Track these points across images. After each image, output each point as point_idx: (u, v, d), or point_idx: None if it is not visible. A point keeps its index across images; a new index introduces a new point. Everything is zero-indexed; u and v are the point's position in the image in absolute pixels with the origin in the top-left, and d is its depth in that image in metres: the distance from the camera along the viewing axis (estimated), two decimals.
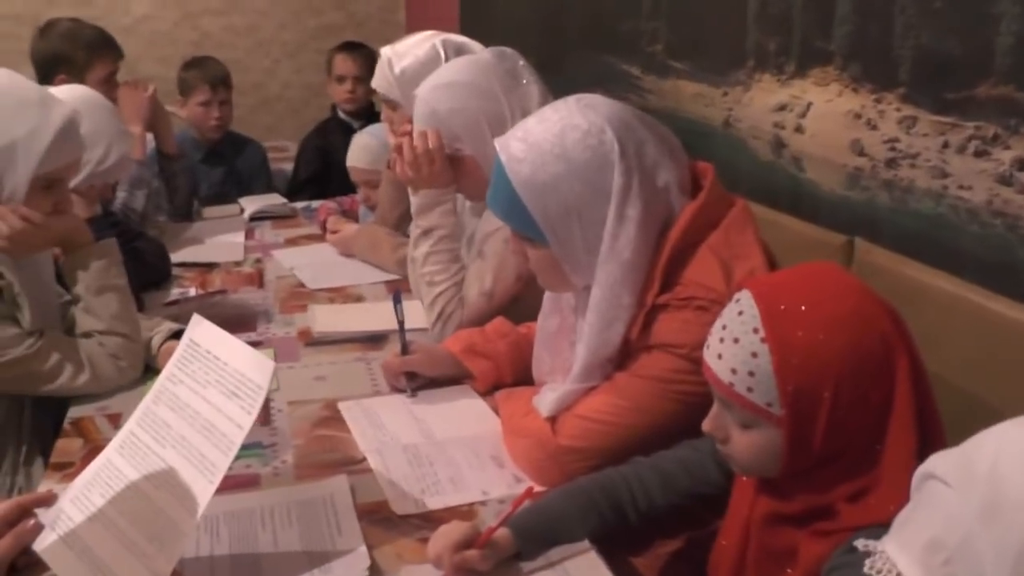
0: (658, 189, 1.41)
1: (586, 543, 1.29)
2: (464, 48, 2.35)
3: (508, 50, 2.01)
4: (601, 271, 1.41)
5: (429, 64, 2.21)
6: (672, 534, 1.45)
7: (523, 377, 1.73)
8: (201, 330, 1.39)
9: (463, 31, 3.98)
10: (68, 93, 2.14)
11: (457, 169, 1.95)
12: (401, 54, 2.33)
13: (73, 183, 2.06)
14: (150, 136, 3.06)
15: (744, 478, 1.21)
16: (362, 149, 2.85)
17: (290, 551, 1.31)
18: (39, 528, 1.28)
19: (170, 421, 1.32)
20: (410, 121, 2.01)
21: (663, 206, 1.42)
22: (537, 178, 1.40)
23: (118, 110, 2.47)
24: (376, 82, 2.42)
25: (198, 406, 1.30)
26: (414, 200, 2.03)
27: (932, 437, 1.08)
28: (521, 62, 1.99)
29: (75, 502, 1.30)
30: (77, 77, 2.71)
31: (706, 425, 1.16)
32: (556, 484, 1.41)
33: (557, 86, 2.00)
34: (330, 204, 3.12)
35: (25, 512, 1.28)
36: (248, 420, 1.22)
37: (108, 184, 2.30)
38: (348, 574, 1.25)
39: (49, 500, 1.32)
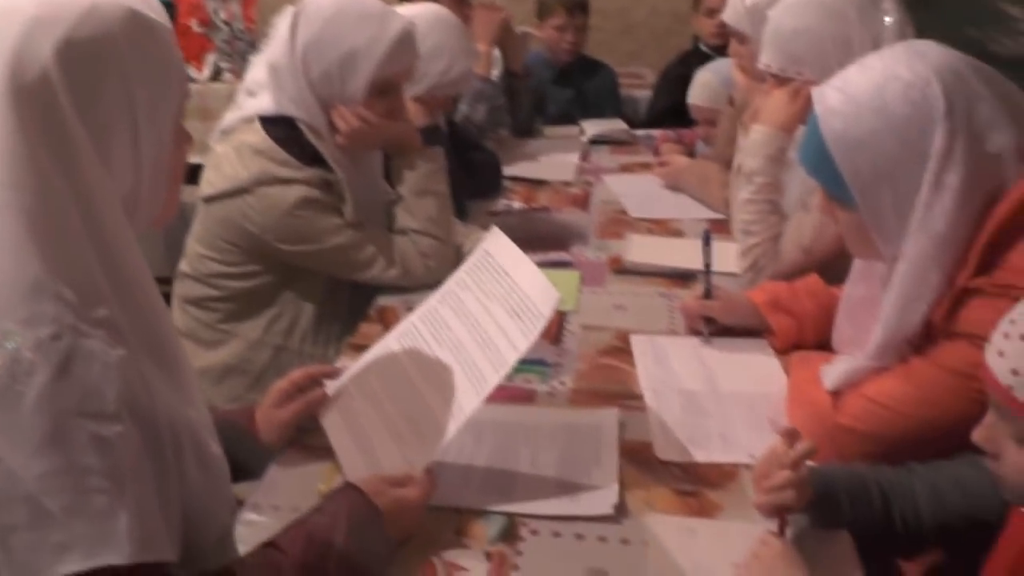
0: (988, 155, 1.23)
1: (845, 533, 1.18)
2: None
3: None
4: (909, 243, 1.25)
5: None
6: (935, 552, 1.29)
7: (825, 341, 1.60)
8: (498, 243, 1.41)
9: None
10: (421, 10, 2.27)
11: (794, 98, 1.86)
12: None
13: (415, 92, 2.18)
14: (499, 54, 3.16)
15: (1021, 511, 1.04)
16: (702, 86, 2.77)
17: (544, 473, 1.32)
18: (324, 397, 1.39)
19: (451, 324, 1.36)
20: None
21: (992, 176, 1.23)
22: (850, 133, 1.26)
23: (469, 28, 2.57)
24: (727, 14, 2.34)
25: (480, 316, 1.33)
26: (743, 139, 1.94)
27: None
28: None
29: (355, 381, 1.40)
30: None
31: (977, 435, 1.00)
32: (828, 462, 1.30)
33: (922, 24, 1.81)
34: (669, 134, 3.08)
35: (314, 381, 1.40)
36: (525, 344, 1.23)
37: (449, 96, 2.39)
38: (593, 507, 1.23)
39: (335, 373, 1.42)
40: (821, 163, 1.32)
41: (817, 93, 1.33)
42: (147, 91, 0.95)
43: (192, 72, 3.62)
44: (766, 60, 1.87)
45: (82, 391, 0.83)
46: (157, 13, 0.98)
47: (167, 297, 1.93)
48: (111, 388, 0.85)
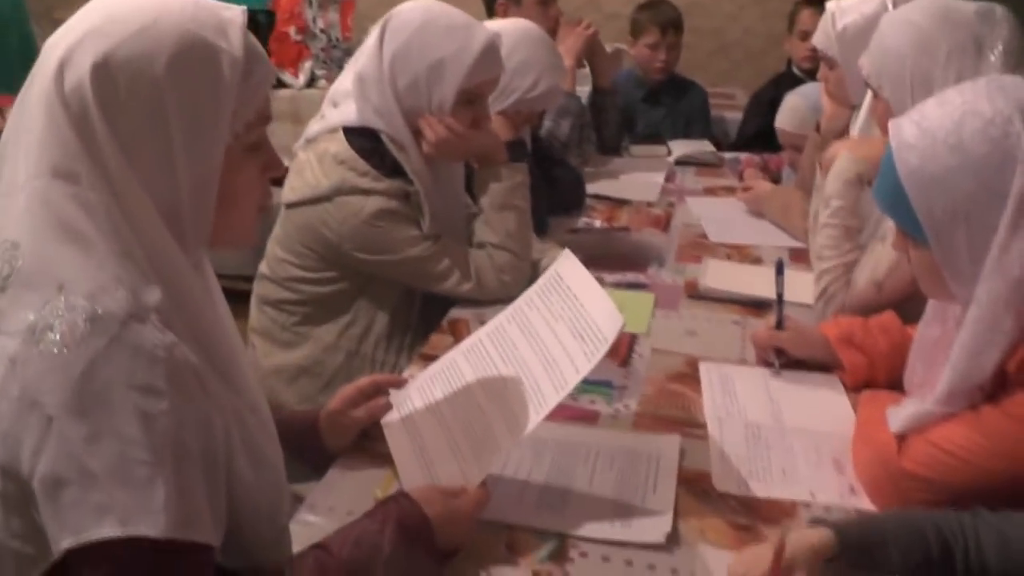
0: None
1: None
2: None
3: (1000, 13, 1.72)
4: (983, 286, 1.21)
5: (874, 22, 2.04)
6: None
7: (898, 381, 1.57)
8: (568, 265, 1.42)
9: None
10: (510, 25, 2.29)
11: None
12: (846, 10, 2.18)
13: (501, 106, 2.21)
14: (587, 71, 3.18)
15: None
16: (790, 111, 2.73)
17: (600, 495, 1.32)
18: (388, 406, 1.42)
19: (518, 342, 1.38)
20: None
21: None
22: (925, 170, 1.23)
23: (555, 43, 2.59)
24: (816, 38, 2.29)
25: (546, 337, 1.34)
26: (820, 178, 1.92)
27: None
28: (1005, 33, 1.70)
29: (420, 391, 1.42)
30: (515, 2, 2.89)
31: None
32: (889, 508, 1.29)
33: None
34: (755, 158, 3.05)
35: (380, 389, 1.43)
36: (587, 366, 1.23)
37: (534, 111, 2.40)
38: (644, 535, 1.23)
39: (401, 383, 1.45)
40: (895, 198, 1.28)
41: (894, 125, 1.30)
42: (187, 114, 0.97)
43: (288, 78, 3.72)
44: (863, 61, 1.83)
45: (131, 364, 0.88)
46: (228, 40, 1.00)
47: (247, 296, 2.01)
48: (160, 366, 0.89)
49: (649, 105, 3.64)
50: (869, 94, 2.02)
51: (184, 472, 0.90)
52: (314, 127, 1.93)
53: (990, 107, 1.21)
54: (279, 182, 1.86)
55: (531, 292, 1.44)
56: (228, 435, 1.00)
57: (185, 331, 0.97)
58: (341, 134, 1.86)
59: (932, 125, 1.24)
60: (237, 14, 1.03)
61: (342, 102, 1.90)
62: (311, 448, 1.38)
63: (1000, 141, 1.20)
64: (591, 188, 2.79)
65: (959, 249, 1.25)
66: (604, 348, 1.22)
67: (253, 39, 1.04)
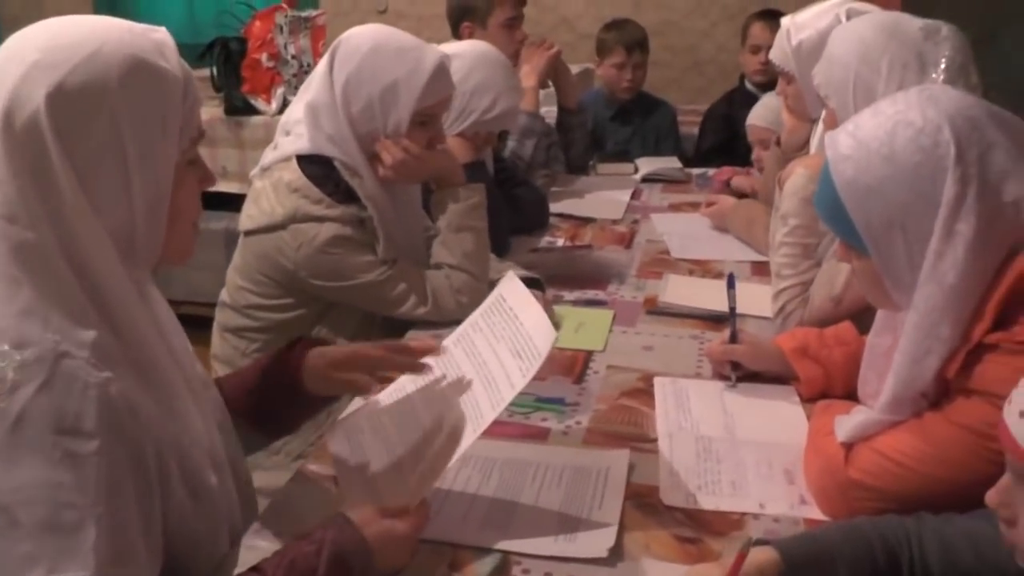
0: (1003, 204, 1.19)
1: None
2: None
3: (946, 32, 1.76)
4: (920, 293, 1.23)
5: (828, 36, 2.06)
6: None
7: (854, 391, 1.57)
8: (511, 286, 1.43)
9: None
10: (467, 47, 2.32)
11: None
12: (801, 25, 2.20)
13: (460, 128, 2.22)
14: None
15: None
16: (766, 108, 2.78)
17: (546, 509, 1.33)
18: (370, 384, 1.38)
19: (462, 363, 1.39)
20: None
21: (1009, 226, 1.20)
22: (860, 181, 1.25)
23: (519, 63, 2.61)
24: (773, 53, 2.32)
25: (488, 356, 1.35)
26: (777, 197, 1.94)
27: None
28: (949, 51, 1.73)
29: (367, 415, 1.44)
30: (480, 23, 2.90)
31: (990, 498, 0.96)
32: (838, 517, 1.29)
33: (986, 61, 1.76)
34: (738, 169, 3.08)
35: (407, 353, 1.40)
36: (522, 382, 1.24)
37: (493, 133, 2.42)
38: (587, 550, 1.23)
39: (434, 350, 1.40)
40: (834, 210, 1.30)
41: (830, 138, 1.32)
42: (140, 135, 0.99)
43: (261, 105, 3.74)
44: (815, 72, 1.87)
45: (60, 409, 0.89)
46: (167, 60, 1.02)
47: (210, 322, 2.01)
48: (90, 407, 0.90)
49: (618, 124, 3.67)
50: None
51: (116, 510, 0.91)
52: (268, 156, 1.94)
53: (921, 117, 1.23)
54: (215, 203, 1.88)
55: (476, 315, 1.45)
56: (164, 466, 1.01)
57: (125, 363, 0.98)
58: (295, 162, 1.88)
59: (866, 136, 1.27)
60: (166, 35, 1.06)
61: (294, 130, 1.92)
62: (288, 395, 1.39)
63: (931, 150, 1.22)
64: (556, 207, 2.80)
65: (898, 257, 1.26)
66: (538, 363, 1.23)
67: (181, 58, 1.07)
